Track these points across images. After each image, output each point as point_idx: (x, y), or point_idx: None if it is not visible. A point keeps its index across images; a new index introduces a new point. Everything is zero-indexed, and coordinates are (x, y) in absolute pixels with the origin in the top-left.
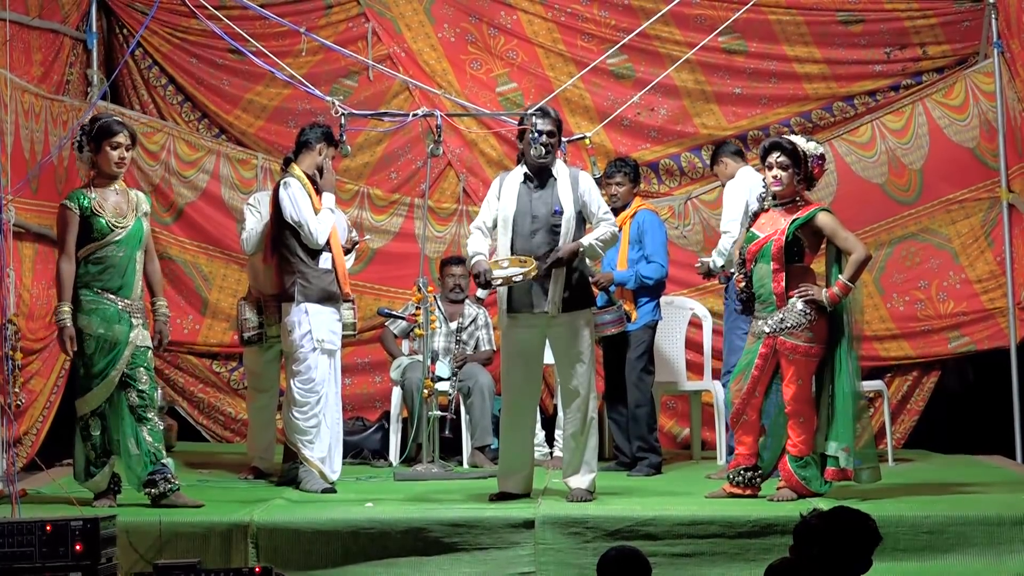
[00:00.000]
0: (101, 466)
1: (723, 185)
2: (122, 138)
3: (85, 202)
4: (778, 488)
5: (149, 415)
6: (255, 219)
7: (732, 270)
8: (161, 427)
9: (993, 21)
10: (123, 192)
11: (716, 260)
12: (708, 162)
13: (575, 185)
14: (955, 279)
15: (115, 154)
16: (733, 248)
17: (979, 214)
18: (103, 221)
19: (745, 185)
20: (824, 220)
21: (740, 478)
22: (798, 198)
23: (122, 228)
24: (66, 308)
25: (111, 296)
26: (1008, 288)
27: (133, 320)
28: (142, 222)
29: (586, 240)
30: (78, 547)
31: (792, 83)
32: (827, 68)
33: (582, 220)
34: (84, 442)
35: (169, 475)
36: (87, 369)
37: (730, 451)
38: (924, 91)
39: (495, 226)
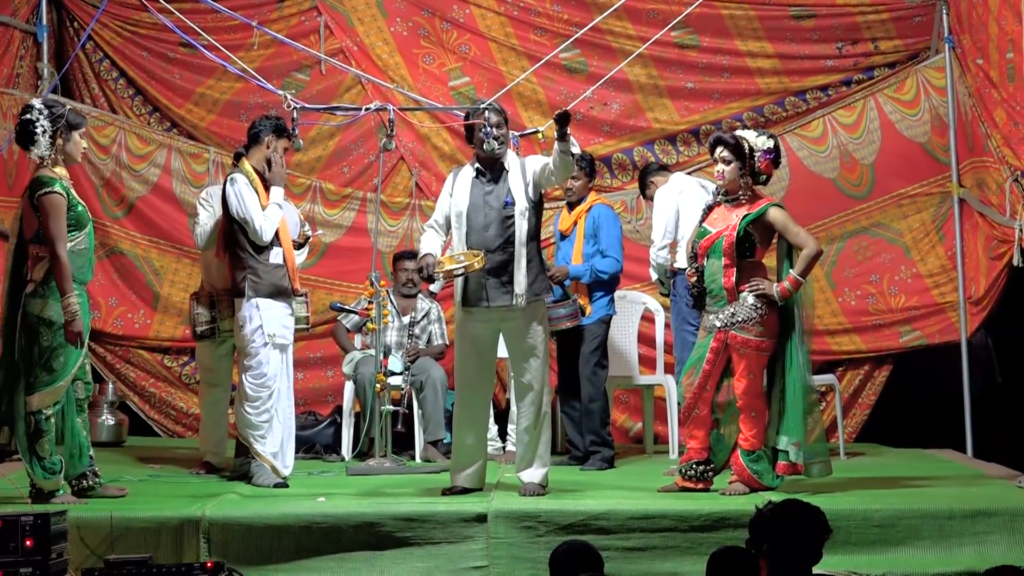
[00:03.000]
0: (59, 462)
1: None
2: (85, 128)
3: (64, 187)
4: (730, 482)
5: (85, 407)
6: (207, 214)
7: (678, 265)
8: (113, 421)
9: (944, 16)
10: (70, 181)
11: (651, 274)
12: (661, 160)
13: (524, 172)
14: (906, 273)
15: (83, 142)
16: (663, 252)
17: (930, 209)
18: (81, 208)
19: (674, 189)
20: (775, 215)
21: (692, 472)
22: (743, 193)
23: (91, 219)
24: (75, 299)
25: (83, 288)
26: (959, 282)
27: (91, 312)
28: None
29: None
30: (28, 542)
31: (744, 78)
32: (779, 63)
33: (535, 211)
34: (39, 438)
35: (96, 468)
36: (65, 362)
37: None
38: (876, 86)
39: (448, 223)
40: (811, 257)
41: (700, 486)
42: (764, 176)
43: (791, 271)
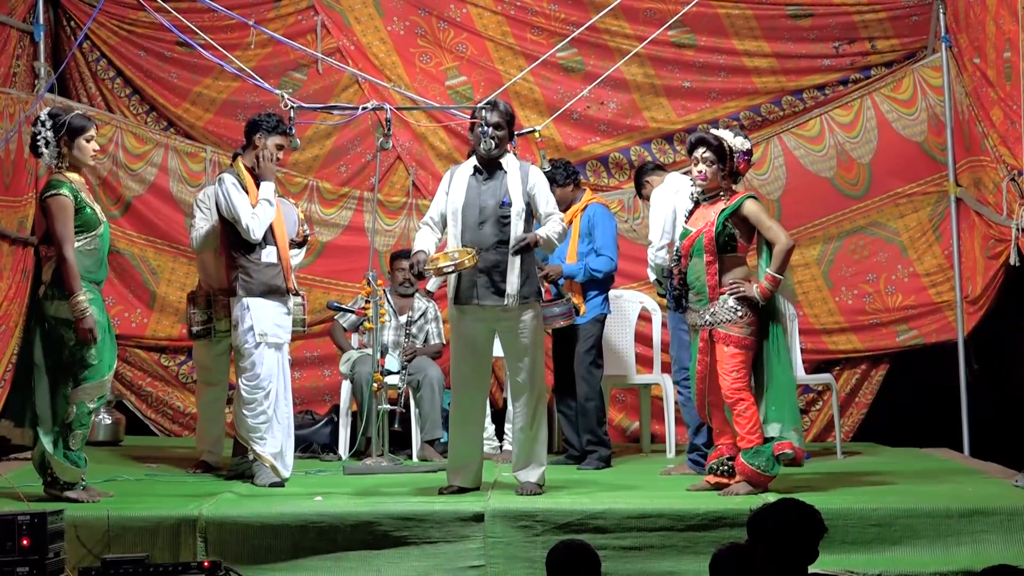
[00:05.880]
0: (83, 459)
1: None
2: (94, 131)
3: (71, 190)
4: (734, 482)
5: None
6: (202, 216)
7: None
8: (110, 420)
9: (941, 16)
10: (85, 185)
11: (649, 274)
12: (658, 159)
13: (525, 179)
14: (903, 272)
15: (90, 147)
16: (661, 252)
17: (927, 208)
18: (91, 211)
19: (671, 189)
20: (750, 207)
21: (724, 468)
22: (722, 191)
23: (103, 221)
24: (84, 297)
25: (96, 287)
26: (956, 282)
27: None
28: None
29: (542, 232)
30: (25, 542)
31: (741, 77)
32: (776, 62)
33: (531, 213)
34: (73, 430)
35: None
36: (100, 356)
37: (693, 448)
38: (872, 85)
39: (443, 220)
40: (784, 252)
41: (731, 481)
42: (739, 176)
43: (767, 269)
